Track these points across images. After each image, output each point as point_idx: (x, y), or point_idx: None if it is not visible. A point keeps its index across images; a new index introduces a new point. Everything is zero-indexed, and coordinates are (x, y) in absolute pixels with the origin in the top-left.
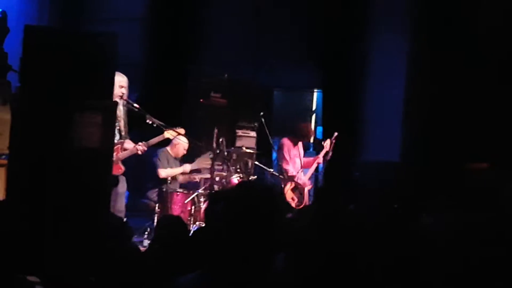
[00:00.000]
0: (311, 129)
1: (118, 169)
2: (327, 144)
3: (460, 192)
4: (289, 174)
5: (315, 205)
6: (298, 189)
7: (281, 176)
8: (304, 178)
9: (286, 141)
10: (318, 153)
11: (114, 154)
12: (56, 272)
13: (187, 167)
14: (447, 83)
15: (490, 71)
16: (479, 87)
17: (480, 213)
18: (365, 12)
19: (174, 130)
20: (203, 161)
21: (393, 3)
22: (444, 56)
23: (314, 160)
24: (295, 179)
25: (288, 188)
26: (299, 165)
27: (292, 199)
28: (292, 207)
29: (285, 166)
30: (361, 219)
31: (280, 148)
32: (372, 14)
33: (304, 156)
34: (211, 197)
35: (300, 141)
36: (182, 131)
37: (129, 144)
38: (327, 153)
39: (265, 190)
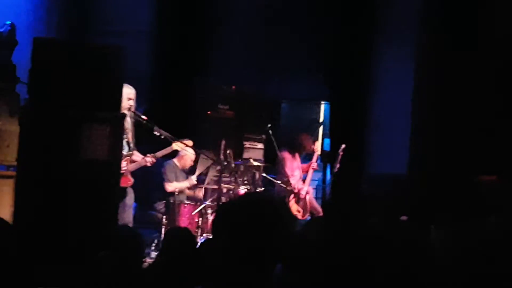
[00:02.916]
0: (309, 139)
1: (127, 181)
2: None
3: (468, 204)
4: (289, 188)
5: (323, 218)
6: (300, 200)
7: (282, 185)
8: (303, 186)
9: (286, 155)
10: (325, 164)
11: (124, 166)
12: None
13: (192, 179)
14: (455, 95)
15: (500, 82)
16: (488, 99)
17: (488, 226)
18: (373, 24)
19: (181, 142)
20: (204, 164)
21: (400, 15)
22: (452, 68)
23: (309, 166)
24: (295, 189)
25: (292, 201)
26: (298, 176)
27: (298, 211)
28: (298, 219)
29: (286, 179)
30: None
31: (280, 162)
32: (379, 27)
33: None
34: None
35: (297, 152)
36: (190, 142)
37: (137, 156)
38: (334, 165)
39: (269, 201)
